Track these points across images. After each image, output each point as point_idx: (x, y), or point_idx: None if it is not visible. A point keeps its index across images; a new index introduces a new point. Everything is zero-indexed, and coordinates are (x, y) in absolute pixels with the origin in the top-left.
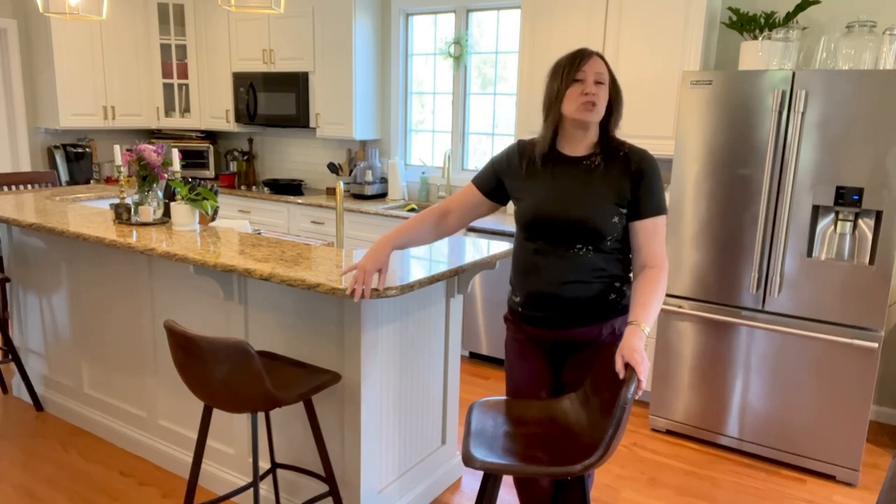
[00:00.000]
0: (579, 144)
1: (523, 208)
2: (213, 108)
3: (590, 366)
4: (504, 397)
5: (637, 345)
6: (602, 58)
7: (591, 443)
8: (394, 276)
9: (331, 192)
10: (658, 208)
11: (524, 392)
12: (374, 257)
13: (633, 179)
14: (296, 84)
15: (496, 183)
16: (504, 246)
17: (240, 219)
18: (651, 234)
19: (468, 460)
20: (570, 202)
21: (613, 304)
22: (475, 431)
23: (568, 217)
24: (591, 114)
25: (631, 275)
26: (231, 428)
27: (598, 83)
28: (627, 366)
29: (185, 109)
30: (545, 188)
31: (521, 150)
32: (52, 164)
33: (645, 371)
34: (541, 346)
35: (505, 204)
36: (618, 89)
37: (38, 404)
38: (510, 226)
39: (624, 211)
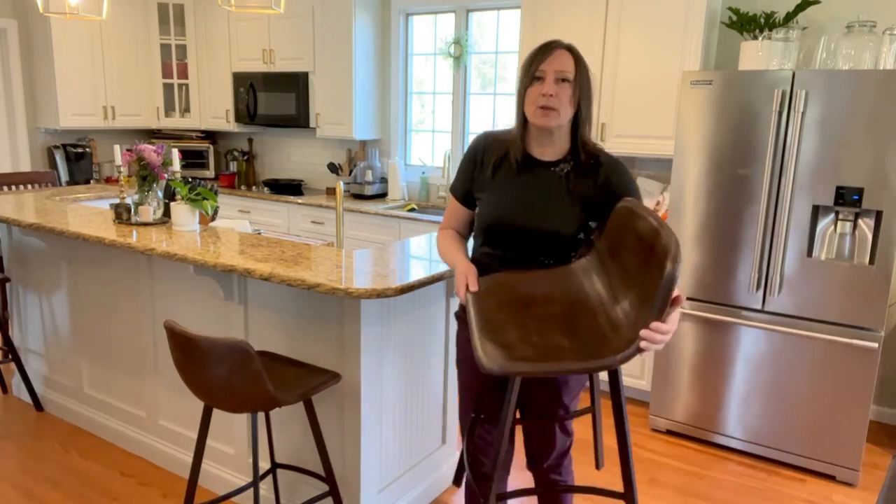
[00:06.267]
0: (547, 148)
1: (484, 211)
2: (213, 108)
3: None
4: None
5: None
6: (571, 51)
7: (620, 323)
8: (394, 276)
9: (331, 192)
10: None
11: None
12: (468, 266)
13: (603, 193)
14: (296, 84)
15: (472, 184)
16: None
17: (240, 219)
18: None
19: (486, 367)
20: (536, 211)
21: None
22: (481, 328)
23: (530, 227)
24: (547, 119)
25: None
26: (231, 428)
27: (561, 80)
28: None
29: (185, 109)
30: (509, 193)
31: (487, 145)
32: (52, 164)
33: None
34: None
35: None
36: (586, 87)
37: (38, 404)
38: None
39: (593, 225)
